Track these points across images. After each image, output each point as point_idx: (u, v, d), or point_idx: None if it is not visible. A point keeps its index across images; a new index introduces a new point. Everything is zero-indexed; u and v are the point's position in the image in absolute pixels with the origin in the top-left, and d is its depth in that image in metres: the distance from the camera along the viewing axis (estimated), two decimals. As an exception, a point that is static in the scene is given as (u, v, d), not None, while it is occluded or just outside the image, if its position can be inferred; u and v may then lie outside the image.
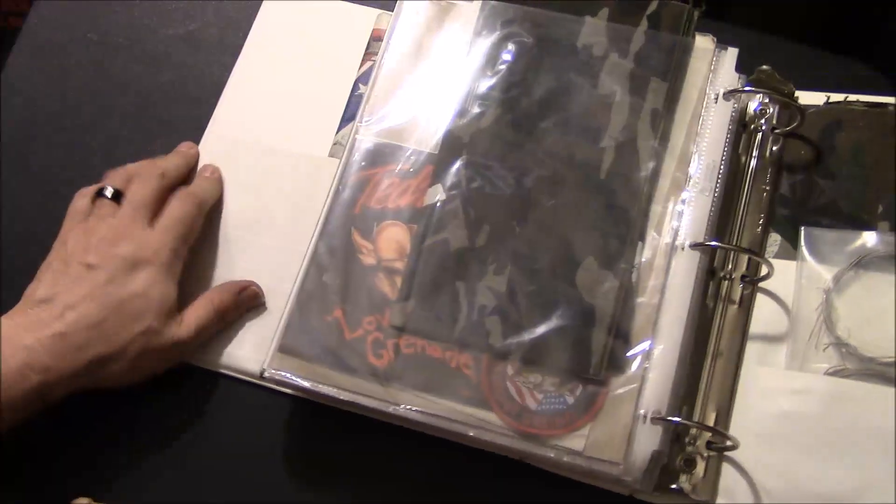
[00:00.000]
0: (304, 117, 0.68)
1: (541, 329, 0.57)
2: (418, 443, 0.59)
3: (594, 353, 0.56)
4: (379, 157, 0.63)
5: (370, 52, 0.69)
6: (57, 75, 0.73)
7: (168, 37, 0.73)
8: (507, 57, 0.64)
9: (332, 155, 0.66)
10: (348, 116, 0.67)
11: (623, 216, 0.59)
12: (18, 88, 0.72)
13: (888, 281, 0.58)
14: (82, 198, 0.62)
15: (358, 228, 0.61)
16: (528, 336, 0.57)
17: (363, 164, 0.63)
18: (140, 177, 0.62)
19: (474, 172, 0.61)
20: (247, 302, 0.63)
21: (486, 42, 0.65)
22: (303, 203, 0.65)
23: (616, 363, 0.56)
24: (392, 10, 0.68)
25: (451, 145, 0.62)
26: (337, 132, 0.67)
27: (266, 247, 0.65)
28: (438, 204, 0.61)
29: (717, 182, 0.60)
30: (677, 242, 0.58)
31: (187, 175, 0.66)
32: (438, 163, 0.62)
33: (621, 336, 0.56)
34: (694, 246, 0.58)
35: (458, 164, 0.62)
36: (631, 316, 0.57)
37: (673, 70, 0.63)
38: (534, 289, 0.58)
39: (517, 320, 0.57)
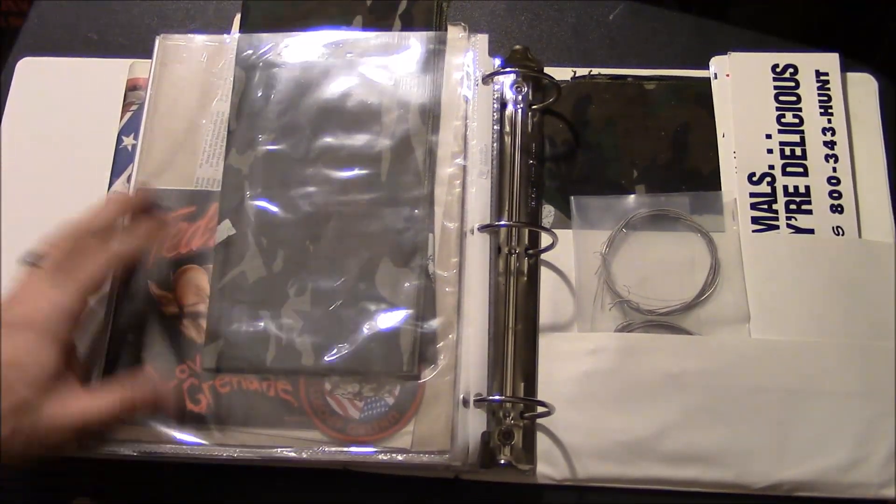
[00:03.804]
0: (73, 179, 0.71)
1: (351, 339, 0.62)
2: (240, 474, 0.63)
3: (404, 351, 0.62)
4: (162, 205, 0.66)
5: (129, 103, 0.73)
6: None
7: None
8: (272, 83, 0.69)
9: (107, 213, 0.69)
10: (118, 171, 0.70)
11: (410, 213, 0.65)
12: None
13: (652, 238, 0.67)
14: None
15: (154, 281, 0.65)
16: (339, 349, 0.62)
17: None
18: (57, 236, 0.59)
19: (259, 202, 0.66)
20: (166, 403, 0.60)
21: (251, 72, 0.70)
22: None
23: (428, 355, 0.62)
24: (144, 58, 0.72)
25: (232, 179, 0.67)
26: (108, 189, 0.70)
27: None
28: (229, 239, 0.65)
29: (492, 164, 0.67)
30: (466, 227, 0.65)
31: (112, 223, 0.61)
32: (222, 199, 0.67)
33: (429, 328, 0.62)
34: (482, 228, 0.65)
35: (241, 197, 0.66)
36: (435, 306, 0.63)
37: (432, 63, 0.70)
38: (338, 302, 0.63)
39: (326, 336, 0.62)
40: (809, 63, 0.72)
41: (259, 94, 0.69)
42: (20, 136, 0.73)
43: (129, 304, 0.64)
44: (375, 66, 0.70)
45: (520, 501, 0.62)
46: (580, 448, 0.62)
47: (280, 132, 0.68)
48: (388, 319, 0.62)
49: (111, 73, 0.74)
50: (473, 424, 0.60)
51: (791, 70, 0.72)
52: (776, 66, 0.72)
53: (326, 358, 0.62)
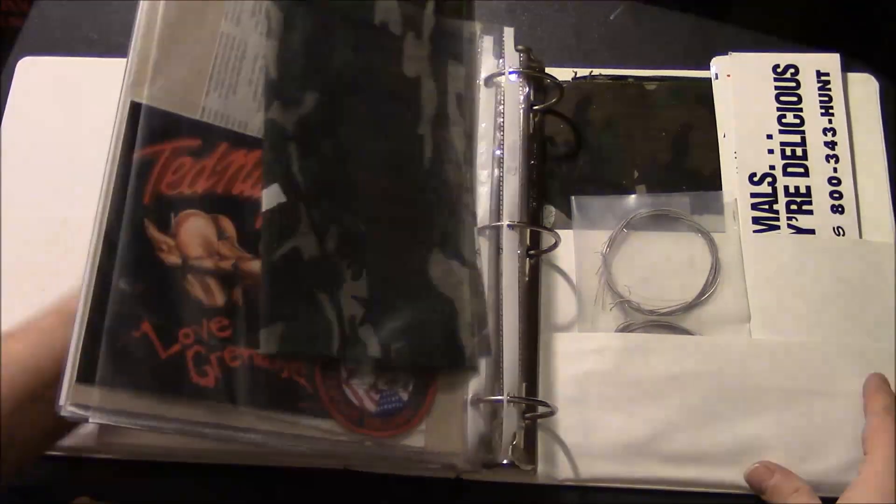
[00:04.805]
0: (73, 179, 0.70)
1: (412, 331, 0.59)
2: (240, 474, 0.63)
3: (465, 346, 0.61)
4: (161, 129, 0.56)
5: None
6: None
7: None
8: (319, 36, 0.62)
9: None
10: (119, 171, 0.69)
11: (454, 203, 0.64)
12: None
13: (653, 238, 0.68)
14: None
15: (153, 221, 0.54)
16: (403, 340, 0.59)
17: (143, 138, 0.55)
18: None
19: (308, 171, 0.59)
20: None
21: (290, 14, 0.61)
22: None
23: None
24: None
25: (276, 138, 0.59)
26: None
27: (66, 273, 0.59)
28: (279, 207, 0.57)
29: (520, 161, 0.66)
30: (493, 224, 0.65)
31: None
32: (266, 158, 0.58)
33: (476, 322, 0.62)
34: (512, 226, 0.64)
35: (288, 161, 0.58)
36: (483, 301, 0.63)
37: (467, 53, 0.69)
38: (393, 290, 0.60)
39: (389, 326, 0.59)
40: (810, 63, 0.73)
41: (303, 44, 0.61)
42: (20, 136, 0.73)
43: (119, 243, 0.53)
44: (413, 43, 0.66)
45: (521, 501, 0.63)
46: (581, 448, 0.62)
47: (324, 93, 0.61)
48: (447, 313, 0.61)
49: (111, 73, 0.73)
50: (486, 425, 0.60)
51: (792, 70, 0.73)
52: (777, 66, 0.73)
53: (394, 349, 0.58)
